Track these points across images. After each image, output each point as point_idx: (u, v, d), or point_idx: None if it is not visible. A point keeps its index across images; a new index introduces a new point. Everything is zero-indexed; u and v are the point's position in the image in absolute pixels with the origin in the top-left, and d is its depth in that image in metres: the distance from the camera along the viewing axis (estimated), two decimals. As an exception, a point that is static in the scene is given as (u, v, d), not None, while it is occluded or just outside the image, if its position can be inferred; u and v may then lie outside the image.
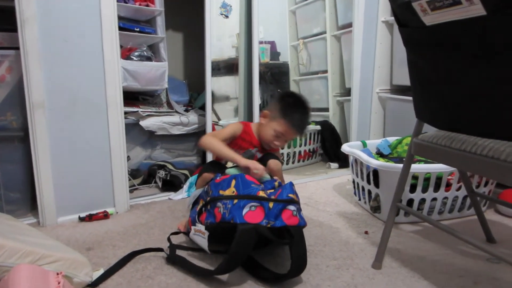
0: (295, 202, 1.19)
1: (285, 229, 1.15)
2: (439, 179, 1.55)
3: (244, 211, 1.14)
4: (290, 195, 1.19)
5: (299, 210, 1.20)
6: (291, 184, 1.23)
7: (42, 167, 1.54)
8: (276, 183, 1.28)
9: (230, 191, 1.21)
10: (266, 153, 1.55)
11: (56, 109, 1.55)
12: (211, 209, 1.23)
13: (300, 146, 2.58)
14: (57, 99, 1.55)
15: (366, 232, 1.53)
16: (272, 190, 1.23)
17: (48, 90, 1.52)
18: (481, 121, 0.90)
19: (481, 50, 0.81)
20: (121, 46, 1.73)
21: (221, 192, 1.22)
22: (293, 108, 1.49)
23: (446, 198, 1.60)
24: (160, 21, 2.19)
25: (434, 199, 1.59)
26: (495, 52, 0.79)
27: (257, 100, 2.24)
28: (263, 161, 1.47)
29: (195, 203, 1.41)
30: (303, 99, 1.57)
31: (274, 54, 3.10)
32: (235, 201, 1.16)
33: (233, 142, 1.54)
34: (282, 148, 2.43)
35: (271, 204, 1.14)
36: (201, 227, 1.21)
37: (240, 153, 1.49)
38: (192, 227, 1.25)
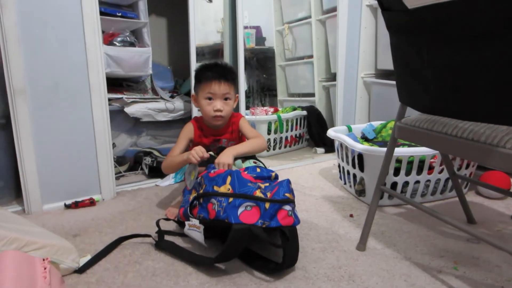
0: (291, 201, 1.16)
1: (279, 229, 1.13)
2: (422, 162, 1.58)
3: (240, 210, 1.10)
4: (286, 194, 1.16)
5: (293, 209, 1.18)
6: (288, 182, 1.20)
7: (26, 154, 1.52)
8: (273, 174, 1.26)
9: (225, 188, 1.16)
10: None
11: (38, 95, 1.52)
12: (203, 203, 1.19)
13: (287, 131, 2.59)
14: (39, 85, 1.52)
15: (351, 215, 1.56)
16: (267, 184, 1.22)
17: (29, 76, 1.49)
18: (462, 104, 0.91)
19: (461, 34, 0.82)
20: (103, 32, 1.70)
21: (215, 188, 1.18)
22: (202, 69, 1.54)
23: (428, 181, 1.64)
24: (142, 6, 2.15)
25: (417, 182, 1.62)
26: (475, 36, 0.80)
27: (242, 86, 2.24)
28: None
29: (187, 192, 1.39)
30: (214, 62, 1.60)
31: (260, 39, 3.09)
32: (230, 199, 1.12)
33: (194, 143, 1.57)
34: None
35: (267, 205, 1.11)
36: (195, 221, 1.18)
37: (211, 148, 1.51)
38: (186, 223, 1.22)
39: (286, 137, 2.61)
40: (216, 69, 1.51)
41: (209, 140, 1.56)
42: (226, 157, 1.38)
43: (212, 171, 1.26)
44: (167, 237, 1.33)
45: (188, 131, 1.58)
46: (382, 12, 1.05)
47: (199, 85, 1.52)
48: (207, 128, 1.57)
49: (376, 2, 1.10)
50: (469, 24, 0.80)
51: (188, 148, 1.58)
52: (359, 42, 2.44)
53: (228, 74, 1.51)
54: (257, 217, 1.11)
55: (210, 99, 1.50)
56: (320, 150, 2.60)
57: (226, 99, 1.52)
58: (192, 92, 1.62)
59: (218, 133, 1.57)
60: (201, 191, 1.23)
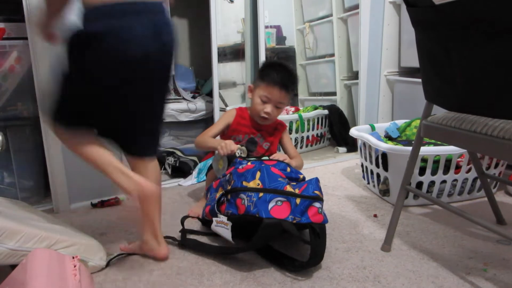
0: (321, 199, 1.16)
1: (309, 226, 1.13)
2: (448, 161, 1.54)
3: (270, 205, 1.11)
4: (316, 191, 1.16)
5: (322, 207, 1.18)
6: (317, 180, 1.20)
7: (54, 155, 1.56)
8: (301, 176, 1.26)
9: (255, 183, 1.16)
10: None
11: (65, 97, 1.56)
12: (232, 199, 1.19)
13: (308, 131, 2.58)
14: (66, 87, 1.55)
15: (375, 215, 1.54)
16: (294, 183, 1.21)
17: (57, 79, 1.53)
18: (492, 101, 0.89)
19: (491, 29, 0.80)
20: (127, 34, 1.73)
21: (244, 183, 1.17)
22: (270, 69, 1.52)
23: (455, 180, 1.60)
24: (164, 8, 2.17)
25: (444, 181, 1.59)
26: (505, 31, 0.77)
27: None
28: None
29: (213, 190, 1.40)
30: (281, 62, 1.60)
31: (280, 38, 3.08)
32: (261, 194, 1.12)
33: (230, 129, 1.57)
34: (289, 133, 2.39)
35: (298, 200, 1.12)
36: (223, 218, 1.18)
37: (241, 138, 1.53)
38: (214, 219, 1.22)
39: (308, 137, 2.59)
40: (283, 75, 1.49)
41: (245, 130, 1.56)
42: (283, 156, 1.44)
43: (240, 167, 1.25)
44: (192, 236, 1.34)
45: (229, 115, 1.58)
46: (407, 8, 1.04)
47: (261, 84, 1.50)
48: (250, 118, 1.57)
49: (401, -2, 1.08)
50: (498, 20, 0.78)
51: (222, 134, 1.60)
52: (382, 39, 2.40)
53: (291, 85, 1.51)
54: (287, 212, 1.11)
55: (265, 102, 1.50)
56: (342, 149, 2.57)
57: (278, 106, 1.52)
58: (250, 83, 1.60)
59: (257, 127, 1.57)
60: (229, 188, 1.22)
